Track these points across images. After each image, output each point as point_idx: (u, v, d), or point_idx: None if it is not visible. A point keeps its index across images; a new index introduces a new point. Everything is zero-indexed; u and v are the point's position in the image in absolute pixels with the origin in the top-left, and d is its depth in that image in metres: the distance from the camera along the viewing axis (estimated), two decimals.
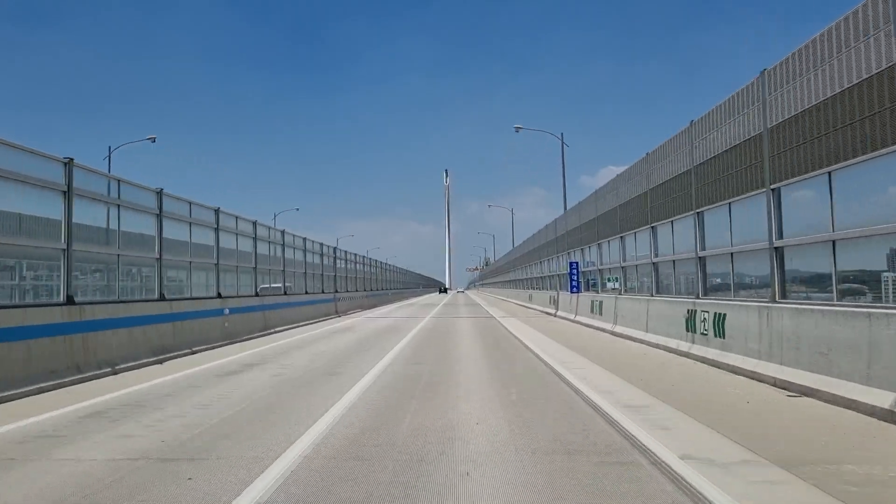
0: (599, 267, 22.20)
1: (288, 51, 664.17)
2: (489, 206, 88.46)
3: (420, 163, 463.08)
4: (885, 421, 6.10)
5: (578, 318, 21.97)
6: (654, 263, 15.88)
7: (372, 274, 47.29)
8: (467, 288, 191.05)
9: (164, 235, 13.07)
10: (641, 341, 14.26)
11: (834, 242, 8.52)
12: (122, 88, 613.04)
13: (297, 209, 66.21)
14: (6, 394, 7.78)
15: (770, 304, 9.34)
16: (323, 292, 29.05)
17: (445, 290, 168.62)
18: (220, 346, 14.59)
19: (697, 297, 12.48)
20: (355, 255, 40.79)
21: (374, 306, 41.71)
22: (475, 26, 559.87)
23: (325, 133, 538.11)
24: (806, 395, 7.63)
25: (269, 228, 21.91)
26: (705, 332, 11.04)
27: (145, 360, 11.08)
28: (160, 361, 11.44)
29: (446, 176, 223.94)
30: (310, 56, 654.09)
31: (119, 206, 11.52)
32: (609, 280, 19.73)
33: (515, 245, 59.40)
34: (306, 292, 25.89)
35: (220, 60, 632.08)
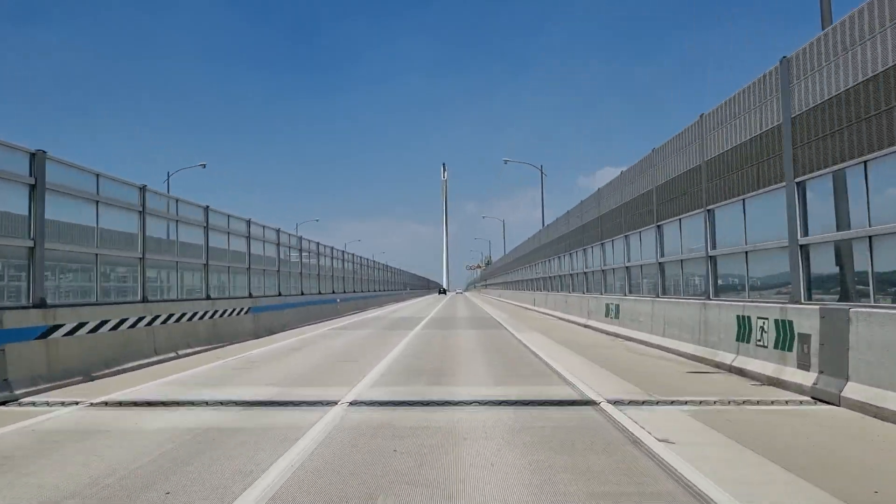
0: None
1: (288, 51, 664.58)
2: (506, 161, 50.85)
3: (419, 162, 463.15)
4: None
5: None
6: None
7: (289, 266, 23.90)
8: (466, 289, 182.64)
9: None
10: None
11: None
12: (123, 88, 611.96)
13: (203, 165, 41.47)
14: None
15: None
16: None
17: (444, 292, 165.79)
18: None
19: None
20: (206, 208, 15.69)
21: (278, 331, 19.75)
22: (475, 26, 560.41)
23: (324, 133, 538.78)
24: None
25: None
26: None
27: None
28: None
29: (444, 170, 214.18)
30: (310, 56, 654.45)
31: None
32: None
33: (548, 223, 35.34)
34: None
35: (220, 60, 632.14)
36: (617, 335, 16.30)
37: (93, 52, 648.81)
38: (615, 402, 7.41)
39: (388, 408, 7.24)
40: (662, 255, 15.05)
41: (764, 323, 9.15)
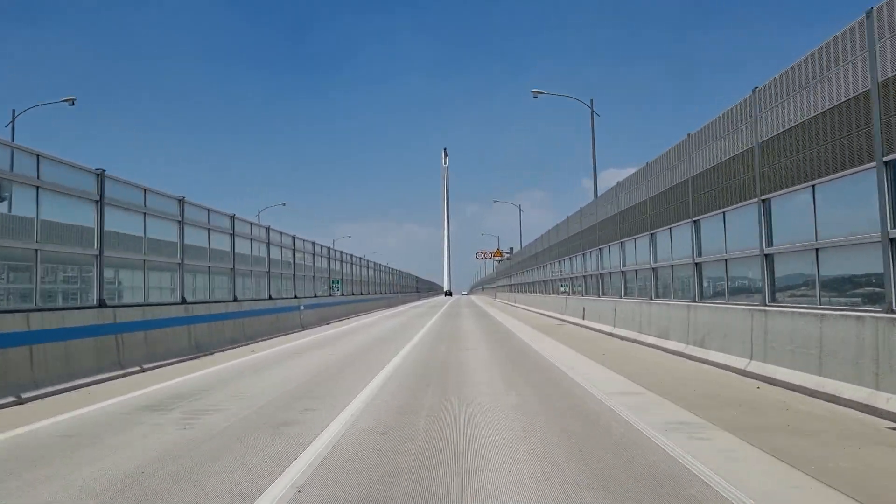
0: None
1: (287, 51, 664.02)
2: (535, 93, 30.25)
3: (419, 163, 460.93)
4: None
5: None
6: None
7: None
8: (471, 291, 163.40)
9: None
10: None
11: None
12: (122, 88, 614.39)
13: None
14: None
15: None
16: None
17: (450, 294, 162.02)
18: None
19: None
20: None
21: None
22: (475, 26, 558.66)
23: (324, 133, 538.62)
24: None
25: None
26: None
27: None
28: None
29: (445, 156, 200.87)
30: (309, 56, 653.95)
31: None
32: None
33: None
34: None
35: (220, 60, 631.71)
36: None
37: (92, 52, 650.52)
38: None
39: None
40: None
41: None
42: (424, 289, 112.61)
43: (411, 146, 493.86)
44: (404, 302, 64.08)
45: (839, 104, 8.36)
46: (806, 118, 9.11)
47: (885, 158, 7.54)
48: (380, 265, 53.87)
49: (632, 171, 19.04)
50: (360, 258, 42.67)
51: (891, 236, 7.48)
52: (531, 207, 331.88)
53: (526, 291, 44.56)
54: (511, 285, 58.23)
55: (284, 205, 51.47)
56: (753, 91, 10.74)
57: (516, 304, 47.66)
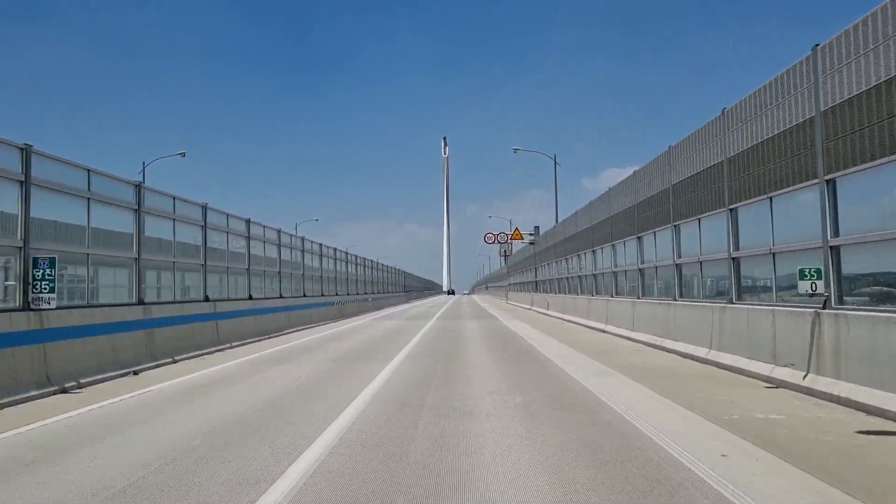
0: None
1: (287, 50, 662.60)
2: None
3: (419, 163, 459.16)
4: None
5: None
6: None
7: None
8: (472, 290, 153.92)
9: None
10: None
11: None
12: (123, 88, 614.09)
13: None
14: None
15: None
16: None
17: (452, 292, 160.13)
18: None
19: None
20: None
21: None
22: (475, 26, 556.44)
23: (324, 133, 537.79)
24: None
25: None
26: None
27: None
28: None
29: (444, 146, 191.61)
30: (309, 56, 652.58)
31: None
32: None
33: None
34: None
35: (220, 60, 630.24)
36: None
37: (93, 52, 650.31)
38: None
39: None
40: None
41: None
42: (418, 288, 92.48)
43: (411, 146, 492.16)
44: (379, 307, 44.60)
45: None
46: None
47: None
48: (324, 247, 29.77)
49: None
50: (266, 227, 20.41)
51: None
52: (531, 207, 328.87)
53: (572, 292, 26.13)
54: (536, 282, 38.56)
55: (184, 154, 35.55)
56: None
57: (551, 313, 28.98)
